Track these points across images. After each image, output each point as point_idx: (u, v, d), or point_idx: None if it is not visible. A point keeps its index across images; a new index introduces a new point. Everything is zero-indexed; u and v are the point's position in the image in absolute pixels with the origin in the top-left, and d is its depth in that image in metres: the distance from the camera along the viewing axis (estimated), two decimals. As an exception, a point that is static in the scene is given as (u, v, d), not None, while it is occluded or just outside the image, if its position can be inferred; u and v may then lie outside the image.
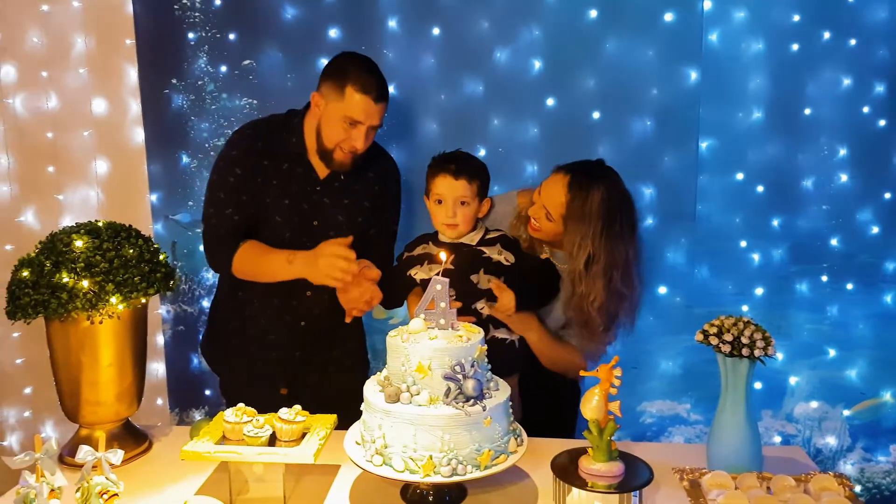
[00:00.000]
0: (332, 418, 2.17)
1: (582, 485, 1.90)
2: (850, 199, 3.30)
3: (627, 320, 2.62)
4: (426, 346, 1.90)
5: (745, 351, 2.08)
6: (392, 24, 3.31)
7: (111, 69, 3.38)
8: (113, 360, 2.25)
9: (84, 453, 1.87)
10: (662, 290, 3.38)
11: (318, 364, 2.92)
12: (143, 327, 2.38)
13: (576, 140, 3.01)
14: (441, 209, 2.56)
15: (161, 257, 2.35)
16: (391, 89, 3.25)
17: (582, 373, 2.14)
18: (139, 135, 3.39)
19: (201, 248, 3.42)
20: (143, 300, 2.29)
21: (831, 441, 3.41)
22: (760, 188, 3.29)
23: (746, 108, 3.26)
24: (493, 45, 3.30)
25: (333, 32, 3.33)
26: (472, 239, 2.60)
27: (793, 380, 3.39)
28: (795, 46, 3.21)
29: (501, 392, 2.00)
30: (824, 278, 3.36)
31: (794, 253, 3.34)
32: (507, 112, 3.32)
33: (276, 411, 2.11)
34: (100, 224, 2.29)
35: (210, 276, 3.49)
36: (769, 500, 1.95)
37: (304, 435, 2.09)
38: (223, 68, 3.39)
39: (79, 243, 2.18)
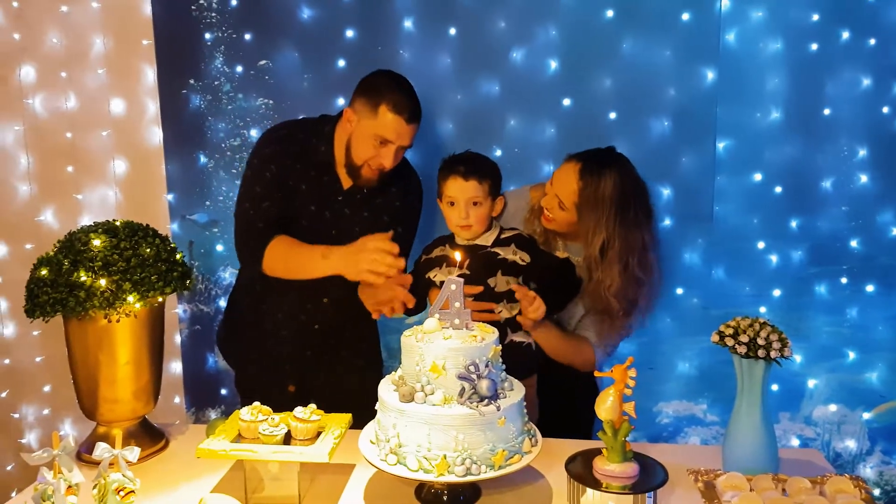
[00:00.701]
0: (346, 417, 2.18)
1: (596, 485, 1.90)
2: (870, 201, 3.27)
3: (646, 306, 2.62)
4: (441, 346, 1.90)
5: (760, 352, 2.07)
6: (408, 24, 3.32)
7: (129, 69, 3.40)
8: (130, 358, 2.26)
9: (101, 450, 1.88)
10: (679, 291, 3.37)
11: (328, 363, 2.94)
12: (160, 326, 2.39)
13: (592, 140, 2.96)
14: (454, 211, 2.55)
15: (178, 256, 2.36)
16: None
17: (597, 373, 2.14)
18: (157, 135, 3.41)
19: (218, 247, 3.45)
20: (160, 299, 2.30)
21: (850, 444, 3.39)
22: (778, 189, 3.27)
23: (764, 108, 3.24)
24: (509, 45, 3.30)
25: (350, 33, 3.34)
26: (487, 239, 2.59)
27: (811, 382, 3.37)
28: (814, 46, 3.19)
29: (516, 392, 1.99)
30: (844, 280, 3.33)
31: (812, 254, 3.32)
32: (523, 112, 3.32)
33: (288, 408, 2.12)
34: (117, 223, 2.31)
35: (227, 276, 3.51)
36: (784, 501, 1.93)
37: (319, 434, 2.09)
38: (239, 68, 3.41)
39: (96, 242, 2.19)
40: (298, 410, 2.09)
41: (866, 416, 3.36)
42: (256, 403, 2.14)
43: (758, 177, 3.27)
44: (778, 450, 2.19)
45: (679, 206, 3.30)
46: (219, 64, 3.41)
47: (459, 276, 2.05)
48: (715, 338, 2.16)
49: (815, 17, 3.17)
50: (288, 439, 2.08)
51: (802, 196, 3.28)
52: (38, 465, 1.82)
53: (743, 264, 3.34)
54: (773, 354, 2.07)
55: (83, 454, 2.29)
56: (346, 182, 2.76)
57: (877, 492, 3.37)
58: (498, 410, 1.88)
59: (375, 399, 2.02)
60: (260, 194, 2.70)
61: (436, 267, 2.60)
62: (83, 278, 2.13)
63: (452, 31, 3.31)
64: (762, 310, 3.33)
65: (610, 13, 3.23)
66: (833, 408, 3.37)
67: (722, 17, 3.19)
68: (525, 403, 2.03)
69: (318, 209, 2.74)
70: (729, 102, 3.23)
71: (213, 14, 3.38)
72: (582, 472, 1.96)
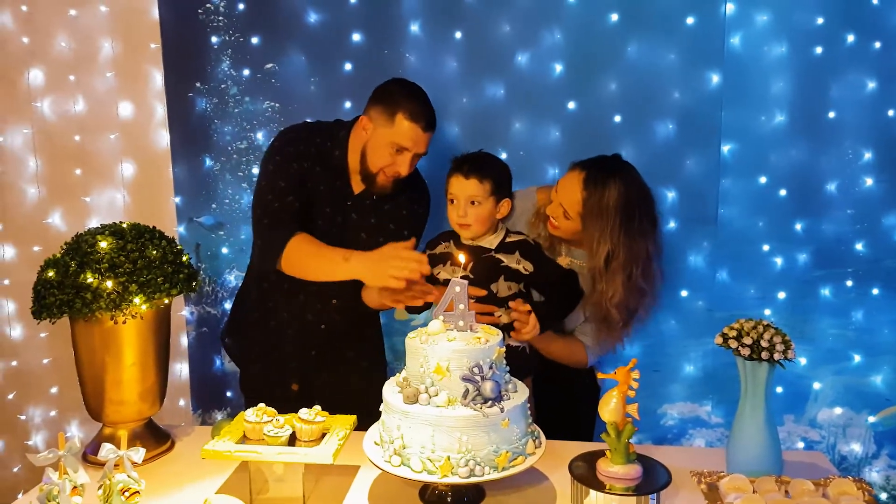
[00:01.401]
0: (351, 419, 2.19)
1: (600, 487, 1.90)
2: (876, 204, 3.26)
3: (644, 315, 2.64)
4: (445, 348, 1.91)
5: (764, 354, 2.07)
6: (414, 28, 3.32)
7: (137, 73, 3.42)
8: (136, 359, 2.28)
9: (106, 451, 1.89)
10: (684, 293, 3.36)
11: (332, 364, 2.95)
12: (166, 328, 2.41)
13: (597, 143, 2.98)
14: (454, 209, 2.57)
15: (184, 258, 2.38)
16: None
17: (600, 375, 2.14)
18: (164, 138, 3.43)
19: (224, 250, 3.47)
20: (166, 301, 2.31)
21: (856, 448, 3.38)
22: (783, 192, 3.27)
23: (769, 112, 3.24)
24: (514, 49, 3.30)
25: (356, 37, 3.35)
26: (492, 242, 2.60)
27: (816, 385, 3.36)
28: (819, 49, 3.18)
29: (519, 394, 2.00)
30: (849, 283, 3.32)
31: (817, 257, 3.31)
32: (528, 115, 3.32)
33: (292, 408, 2.14)
34: (124, 225, 2.32)
35: (233, 279, 3.52)
36: (787, 503, 1.94)
37: (323, 435, 2.10)
38: (246, 72, 3.42)
39: (103, 244, 2.21)
40: (303, 412, 2.11)
41: (871, 419, 3.35)
42: (261, 405, 2.15)
43: (763, 180, 3.27)
44: (782, 452, 2.19)
45: (684, 209, 3.30)
46: (226, 67, 3.42)
47: (463, 277, 2.06)
48: (718, 340, 2.17)
49: (820, 21, 3.17)
50: (293, 441, 2.09)
51: (807, 199, 3.27)
52: (43, 466, 1.83)
53: (748, 267, 3.33)
54: (776, 357, 2.07)
55: (89, 455, 2.30)
56: (357, 187, 2.78)
57: (883, 496, 3.37)
58: (501, 412, 1.89)
59: (380, 400, 2.03)
60: (284, 188, 2.68)
61: (440, 264, 2.61)
62: (90, 280, 2.15)
63: (458, 34, 3.32)
64: (767, 312, 3.32)
65: (615, 17, 3.24)
66: (838, 411, 3.36)
67: (727, 21, 3.19)
68: (529, 405, 2.04)
69: (332, 212, 2.76)
70: (734, 106, 3.23)
71: (221, 18, 3.39)
72: (585, 473, 1.97)
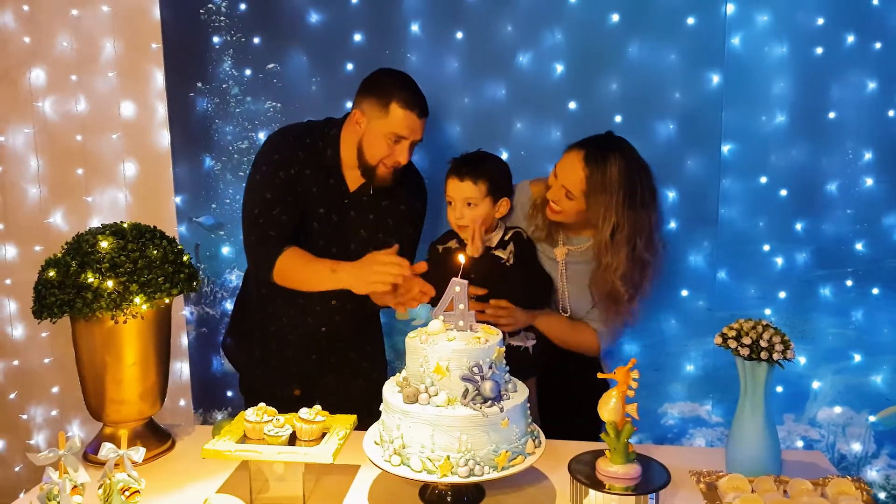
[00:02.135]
0: (351, 418, 2.20)
1: (599, 487, 1.91)
2: (876, 204, 3.26)
3: (649, 288, 2.68)
4: (445, 348, 1.92)
5: (763, 354, 2.08)
6: (415, 28, 3.33)
7: (139, 73, 3.42)
8: (136, 359, 2.28)
9: (106, 451, 1.90)
10: (685, 293, 3.37)
11: (333, 365, 2.95)
12: (167, 327, 2.41)
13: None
14: (451, 210, 2.59)
15: (185, 258, 2.38)
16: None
17: (600, 375, 2.15)
18: (166, 138, 3.43)
19: (224, 250, 3.47)
20: (167, 300, 2.32)
21: (855, 447, 3.38)
22: (784, 192, 3.27)
23: (770, 112, 3.24)
24: (515, 49, 3.30)
25: (358, 37, 3.35)
26: (492, 241, 2.61)
27: (816, 384, 3.37)
28: (819, 50, 3.18)
29: (519, 393, 2.01)
30: (849, 283, 3.32)
31: (818, 257, 3.31)
32: (529, 115, 3.33)
33: (294, 411, 2.14)
34: (125, 225, 2.33)
35: (233, 279, 3.52)
36: (785, 503, 1.94)
37: (323, 435, 2.11)
38: (248, 72, 3.42)
39: (104, 244, 2.21)
40: (303, 411, 2.11)
41: (871, 419, 3.35)
42: (262, 404, 2.16)
43: (763, 180, 3.27)
44: (781, 451, 2.20)
45: (684, 209, 3.31)
46: (227, 67, 3.43)
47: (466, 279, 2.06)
48: (718, 340, 2.17)
49: (821, 21, 3.17)
50: (293, 440, 2.10)
51: (808, 199, 3.27)
52: (44, 466, 1.84)
53: (748, 267, 3.33)
54: (775, 356, 2.08)
55: (89, 455, 2.31)
56: (353, 184, 2.78)
57: (882, 495, 3.37)
58: (501, 412, 1.89)
59: (381, 401, 2.03)
60: (271, 200, 2.71)
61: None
62: (90, 280, 2.15)
63: (459, 34, 3.32)
64: (767, 312, 3.32)
65: (616, 17, 3.24)
66: (838, 410, 3.37)
67: (727, 21, 3.19)
68: (528, 405, 2.04)
69: (327, 212, 2.76)
70: (734, 106, 3.23)
71: (222, 18, 3.40)
72: (585, 473, 1.97)
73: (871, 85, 3.19)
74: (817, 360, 3.34)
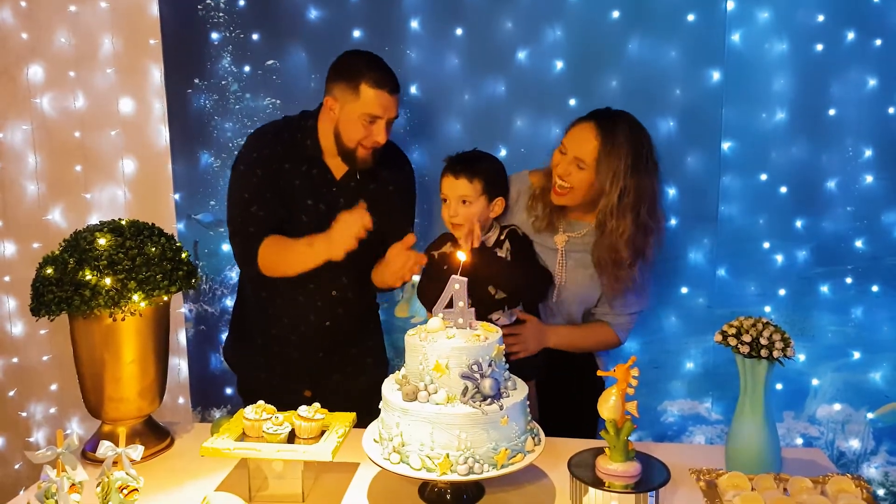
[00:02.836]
0: (350, 416, 2.19)
1: (599, 485, 1.91)
2: (876, 201, 3.25)
3: (651, 255, 2.70)
4: (444, 345, 1.91)
5: (763, 352, 2.08)
6: (415, 24, 3.32)
7: (137, 69, 3.42)
8: (135, 356, 2.28)
9: (104, 448, 1.89)
10: (684, 290, 3.36)
11: (339, 364, 2.94)
12: (165, 325, 2.41)
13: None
14: (445, 208, 2.59)
15: (183, 255, 2.38)
16: (413, 90, 3.28)
17: (600, 373, 2.15)
18: (164, 134, 3.42)
19: (224, 247, 3.46)
20: (165, 298, 2.31)
21: (854, 444, 3.38)
22: (784, 189, 3.26)
23: (770, 109, 3.23)
24: (515, 46, 3.29)
25: (357, 33, 3.34)
26: (489, 240, 2.60)
27: (816, 381, 3.36)
28: (820, 47, 3.18)
29: (519, 391, 2.00)
30: (849, 280, 3.32)
31: (818, 254, 3.31)
32: (529, 112, 3.32)
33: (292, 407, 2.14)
34: (123, 222, 2.33)
35: (233, 276, 3.52)
36: (786, 501, 1.94)
37: (323, 432, 2.11)
38: (247, 68, 3.41)
39: (102, 241, 2.21)
40: (302, 409, 2.11)
41: (870, 416, 3.35)
42: (261, 402, 2.16)
43: (763, 177, 3.27)
44: (781, 449, 2.20)
45: (684, 206, 3.30)
46: (226, 64, 3.42)
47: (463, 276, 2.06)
48: (718, 338, 2.17)
49: (821, 18, 3.16)
50: (292, 438, 2.09)
51: (808, 196, 3.27)
52: (42, 464, 1.83)
53: (748, 264, 3.33)
54: (775, 354, 2.08)
55: (88, 452, 2.31)
56: (338, 172, 2.78)
57: (881, 492, 3.37)
58: (501, 409, 1.89)
59: (381, 398, 2.03)
60: (248, 200, 2.73)
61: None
62: (88, 277, 2.15)
63: (459, 31, 3.31)
64: (767, 309, 3.32)
65: (616, 14, 3.23)
66: (837, 407, 3.37)
67: (728, 18, 3.18)
68: (528, 403, 2.04)
69: (314, 203, 2.76)
70: (735, 103, 3.22)
71: (221, 14, 3.38)
72: (584, 471, 1.97)
73: (872, 82, 3.18)
74: (817, 358, 3.34)
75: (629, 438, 1.94)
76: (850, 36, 3.17)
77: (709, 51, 3.21)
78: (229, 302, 3.46)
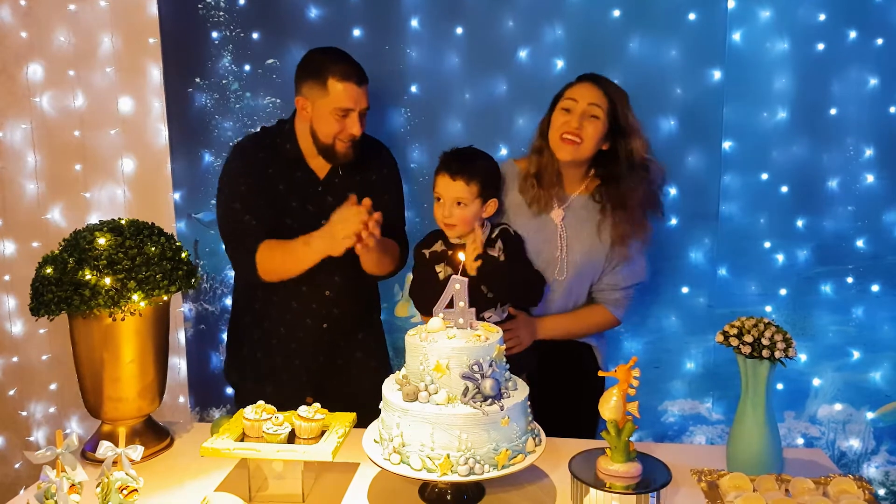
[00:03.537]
0: (350, 416, 2.19)
1: (600, 485, 1.90)
2: (877, 200, 3.25)
3: (655, 201, 2.77)
4: (444, 346, 1.91)
5: (765, 352, 2.07)
6: (415, 23, 3.31)
7: (137, 68, 3.41)
8: (135, 356, 2.27)
9: (104, 449, 1.89)
10: (685, 289, 3.36)
11: (341, 367, 2.94)
12: (165, 325, 2.40)
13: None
14: (439, 207, 2.58)
15: (183, 255, 2.37)
16: (414, 89, 3.27)
17: (601, 373, 2.14)
18: (164, 133, 3.42)
19: (223, 247, 3.45)
20: (165, 297, 2.31)
21: (855, 444, 3.38)
22: (785, 188, 3.26)
23: (771, 108, 3.23)
24: (516, 44, 3.29)
25: (357, 32, 3.33)
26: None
27: (816, 381, 3.36)
28: (821, 46, 3.17)
29: (519, 392, 2.00)
30: (850, 280, 3.31)
31: (818, 254, 3.30)
32: (530, 111, 3.31)
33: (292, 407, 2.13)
34: (122, 222, 2.32)
35: (232, 276, 3.51)
36: (787, 502, 1.94)
37: (323, 433, 2.10)
38: (247, 67, 3.41)
39: (101, 241, 2.20)
40: (302, 409, 2.10)
41: (871, 415, 3.35)
42: (260, 402, 2.15)
43: (764, 176, 3.26)
44: (782, 450, 2.19)
45: (685, 205, 3.30)
46: (226, 63, 3.41)
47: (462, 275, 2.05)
48: (719, 338, 2.17)
49: (822, 17, 3.16)
50: (292, 438, 2.09)
51: (809, 196, 3.26)
52: (41, 464, 1.83)
53: (749, 263, 3.32)
54: (777, 355, 2.07)
55: (88, 452, 2.30)
56: (321, 171, 2.80)
57: (882, 492, 3.37)
58: (501, 410, 1.89)
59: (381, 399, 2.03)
60: (240, 210, 2.73)
61: (442, 262, 2.60)
62: (88, 277, 2.14)
63: (459, 30, 3.31)
64: (768, 309, 3.32)
65: (617, 13, 3.22)
66: (838, 407, 3.36)
67: (729, 17, 3.18)
68: (529, 403, 2.04)
69: (300, 205, 2.76)
70: (735, 102, 3.22)
71: (221, 13, 3.38)
72: (585, 471, 1.96)
73: (873, 81, 3.18)
74: (818, 357, 3.34)
75: (630, 439, 1.94)
76: (852, 35, 3.16)
77: (710, 50, 3.21)
78: (229, 301, 3.45)
